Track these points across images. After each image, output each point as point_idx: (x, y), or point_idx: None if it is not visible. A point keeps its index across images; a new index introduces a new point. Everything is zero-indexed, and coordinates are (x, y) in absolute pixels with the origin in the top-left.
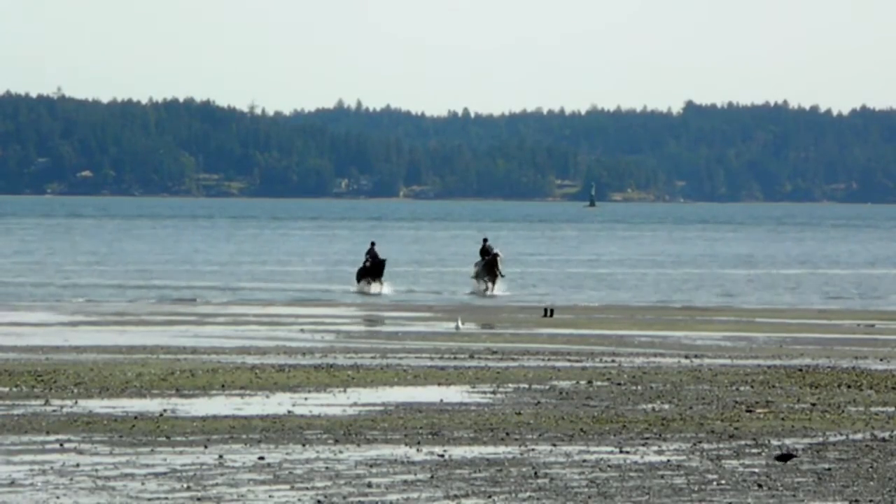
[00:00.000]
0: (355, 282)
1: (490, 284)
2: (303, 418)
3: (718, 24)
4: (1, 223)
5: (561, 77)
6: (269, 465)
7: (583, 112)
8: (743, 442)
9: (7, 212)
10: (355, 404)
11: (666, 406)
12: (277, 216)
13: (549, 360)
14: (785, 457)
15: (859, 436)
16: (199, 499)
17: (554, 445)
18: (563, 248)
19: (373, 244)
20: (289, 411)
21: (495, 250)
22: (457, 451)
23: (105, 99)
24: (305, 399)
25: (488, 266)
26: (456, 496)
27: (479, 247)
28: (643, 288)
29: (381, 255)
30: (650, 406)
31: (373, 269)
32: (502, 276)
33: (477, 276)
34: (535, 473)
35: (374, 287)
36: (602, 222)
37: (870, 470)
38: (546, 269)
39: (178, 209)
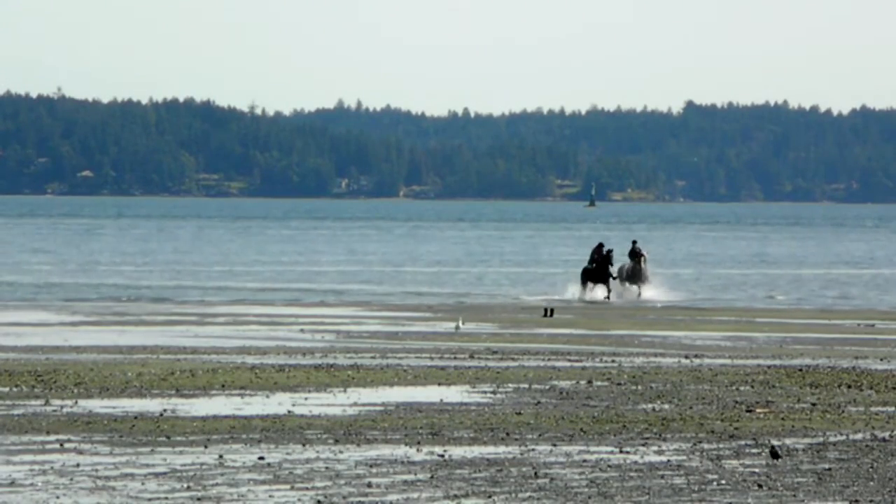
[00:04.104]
0: (580, 285)
1: (639, 286)
2: (303, 418)
3: (718, 24)
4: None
5: (561, 77)
6: (269, 465)
7: (583, 112)
8: (743, 442)
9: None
10: (355, 404)
11: (666, 406)
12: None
13: (549, 360)
14: (774, 454)
15: (859, 436)
16: (199, 499)
17: (554, 445)
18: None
19: (600, 245)
20: (289, 411)
21: (643, 252)
22: (457, 451)
23: (105, 99)
24: (305, 399)
25: (636, 268)
26: (456, 496)
27: (629, 249)
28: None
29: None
30: (650, 406)
31: (596, 270)
32: (647, 279)
33: (626, 279)
34: (535, 473)
35: (591, 292)
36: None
37: (870, 470)
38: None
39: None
